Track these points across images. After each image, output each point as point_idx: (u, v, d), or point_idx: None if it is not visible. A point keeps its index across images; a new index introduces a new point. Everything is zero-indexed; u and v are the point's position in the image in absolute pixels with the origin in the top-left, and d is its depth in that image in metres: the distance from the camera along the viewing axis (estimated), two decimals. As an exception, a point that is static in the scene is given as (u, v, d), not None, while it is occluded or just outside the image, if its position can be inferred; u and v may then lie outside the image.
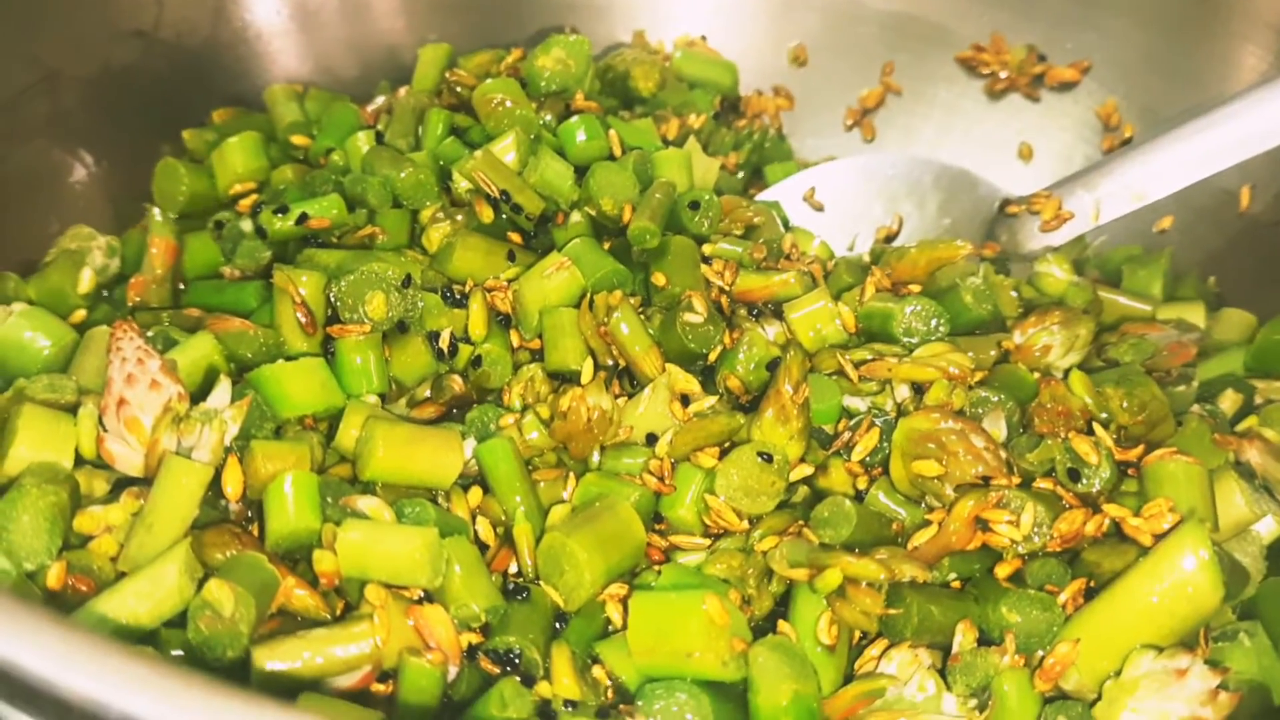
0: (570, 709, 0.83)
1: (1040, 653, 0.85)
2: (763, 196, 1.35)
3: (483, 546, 0.92)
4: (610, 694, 0.86)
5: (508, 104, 1.16)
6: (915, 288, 1.10)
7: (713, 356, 1.01)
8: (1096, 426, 0.95)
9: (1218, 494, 0.92)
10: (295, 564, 0.89)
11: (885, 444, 0.96)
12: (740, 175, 1.39)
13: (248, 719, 0.52)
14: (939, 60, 1.45)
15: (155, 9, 1.29)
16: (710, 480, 0.93)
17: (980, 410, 0.96)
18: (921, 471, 0.91)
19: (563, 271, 1.04)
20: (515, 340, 1.06)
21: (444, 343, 1.03)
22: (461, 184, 1.12)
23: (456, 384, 1.01)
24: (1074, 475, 0.92)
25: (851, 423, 0.99)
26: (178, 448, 0.89)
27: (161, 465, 0.87)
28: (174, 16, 1.31)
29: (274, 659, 0.79)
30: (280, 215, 1.09)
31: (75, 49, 1.23)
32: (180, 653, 0.82)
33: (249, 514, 0.92)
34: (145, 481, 0.89)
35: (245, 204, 1.17)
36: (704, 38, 1.49)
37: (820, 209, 1.36)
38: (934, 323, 1.03)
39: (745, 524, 0.92)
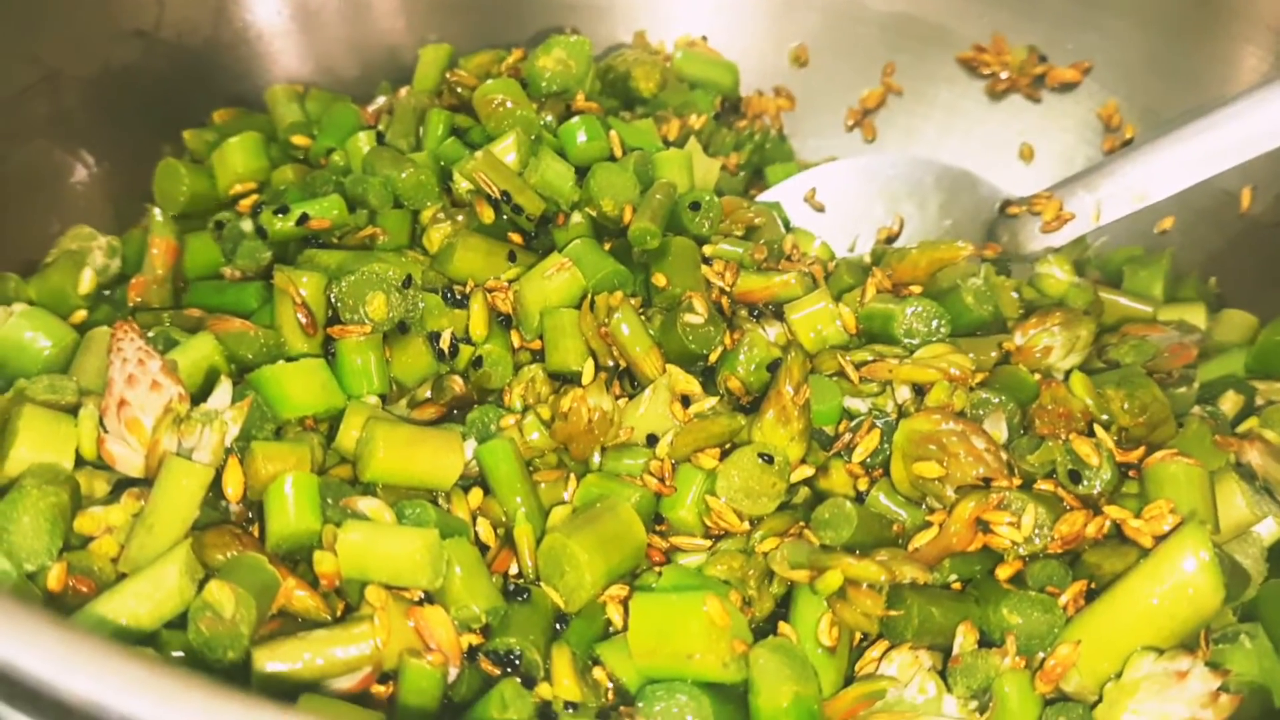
0: (571, 710, 0.83)
1: (1041, 654, 0.85)
2: (763, 197, 1.34)
3: (483, 548, 0.92)
4: (611, 695, 0.86)
5: (508, 104, 1.16)
6: (916, 289, 1.10)
7: (713, 357, 1.01)
8: (1097, 428, 0.95)
9: (1219, 496, 0.92)
10: (296, 565, 0.89)
11: (886, 445, 0.96)
12: (741, 176, 1.39)
13: (248, 721, 0.52)
14: (940, 61, 1.45)
15: (156, 9, 1.29)
16: (711, 481, 0.93)
17: (981, 412, 0.96)
18: (922, 473, 0.91)
19: (563, 272, 1.04)
20: (516, 341, 1.06)
21: (445, 343, 1.03)
22: (462, 184, 1.12)
23: (457, 385, 1.01)
24: (1075, 477, 0.92)
25: (852, 424, 0.99)
26: (178, 449, 0.89)
27: (162, 466, 0.87)
28: (175, 16, 1.31)
29: (274, 660, 0.79)
30: (281, 216, 1.09)
31: (76, 49, 1.23)
32: (181, 654, 0.82)
33: (249, 515, 0.92)
34: (146, 482, 0.89)
35: (246, 204, 1.17)
36: (705, 38, 1.49)
37: (821, 210, 1.36)
38: (935, 324, 1.03)
39: (746, 525, 0.92)
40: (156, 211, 1.20)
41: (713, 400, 0.97)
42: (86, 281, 1.13)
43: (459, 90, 1.24)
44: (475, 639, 0.86)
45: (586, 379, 0.99)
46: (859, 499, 0.94)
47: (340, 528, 0.85)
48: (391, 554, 0.84)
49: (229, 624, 0.79)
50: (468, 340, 1.05)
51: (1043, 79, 1.40)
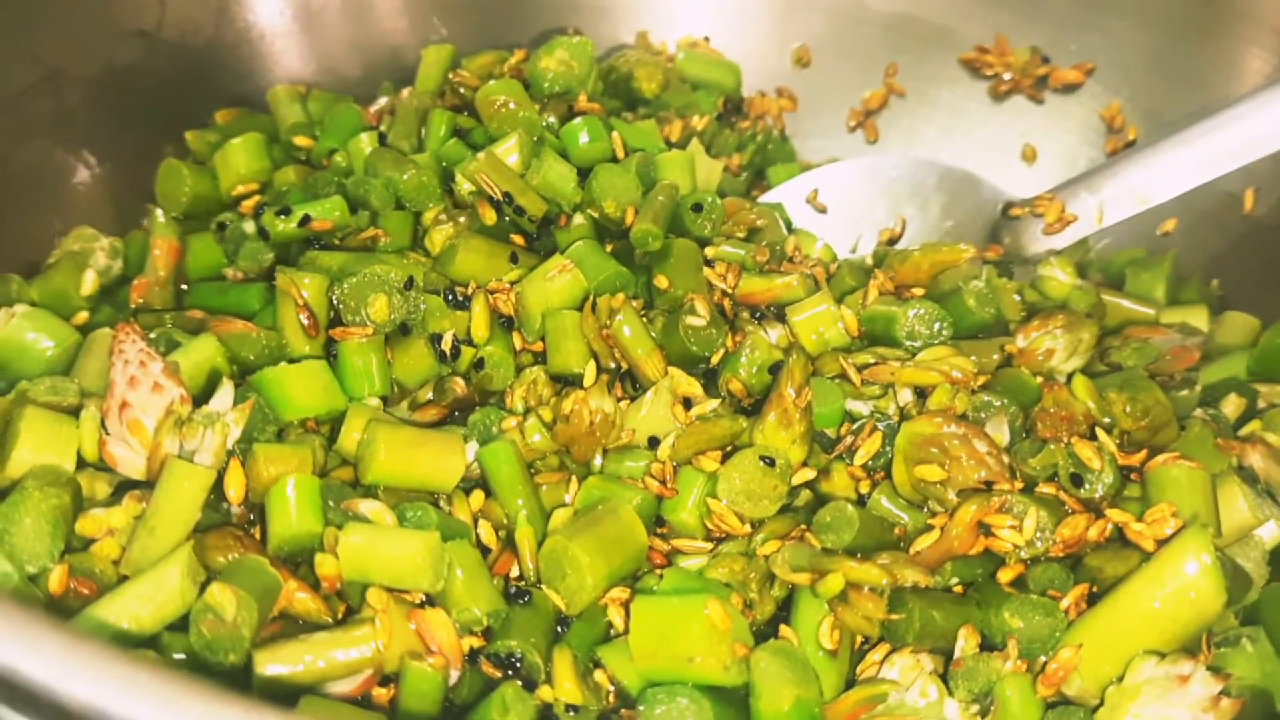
0: (572, 713, 0.83)
1: (1042, 658, 0.86)
2: (765, 198, 1.34)
3: (484, 550, 0.92)
4: (612, 698, 0.86)
5: (511, 105, 1.16)
6: (918, 291, 1.10)
7: (715, 360, 1.01)
8: (1099, 431, 0.95)
9: (1221, 499, 0.92)
10: (297, 567, 0.89)
11: (888, 448, 0.96)
12: (743, 177, 1.39)
13: (248, 725, 0.52)
14: (942, 62, 1.44)
15: (158, 9, 1.29)
16: (712, 484, 0.93)
17: (983, 414, 0.96)
18: (924, 476, 0.90)
19: (565, 274, 1.04)
20: (518, 343, 1.06)
21: (446, 345, 1.03)
22: (464, 186, 1.11)
23: (459, 387, 1.01)
24: (1077, 480, 0.92)
25: (854, 427, 0.99)
26: (180, 451, 0.89)
27: (164, 468, 0.87)
28: (177, 16, 1.31)
29: (275, 663, 0.79)
30: (283, 217, 1.09)
31: (78, 49, 1.23)
32: (182, 657, 0.81)
33: (251, 517, 0.92)
34: (147, 484, 0.89)
35: (248, 205, 1.17)
36: (707, 39, 1.49)
37: (823, 211, 1.35)
38: (937, 326, 1.03)
39: (747, 528, 0.92)
40: (158, 212, 1.20)
41: (714, 403, 0.97)
42: (88, 283, 1.13)
43: (461, 91, 1.24)
44: (476, 641, 0.86)
45: (588, 381, 0.99)
46: (860, 502, 0.94)
47: (342, 530, 0.85)
48: (393, 556, 0.84)
49: (230, 626, 0.79)
50: (469, 342, 1.05)
51: (1045, 80, 1.40)
